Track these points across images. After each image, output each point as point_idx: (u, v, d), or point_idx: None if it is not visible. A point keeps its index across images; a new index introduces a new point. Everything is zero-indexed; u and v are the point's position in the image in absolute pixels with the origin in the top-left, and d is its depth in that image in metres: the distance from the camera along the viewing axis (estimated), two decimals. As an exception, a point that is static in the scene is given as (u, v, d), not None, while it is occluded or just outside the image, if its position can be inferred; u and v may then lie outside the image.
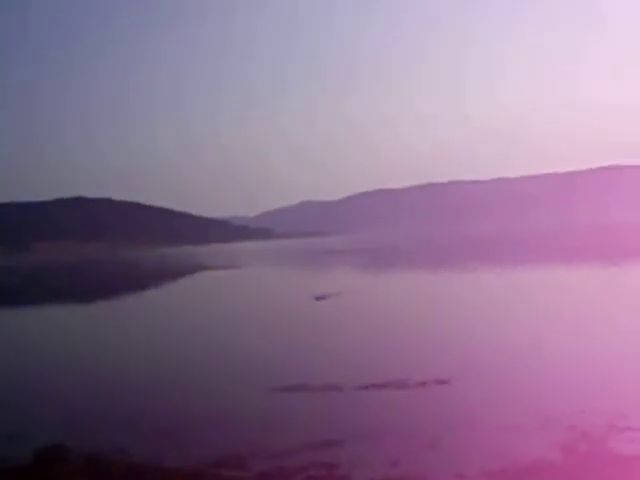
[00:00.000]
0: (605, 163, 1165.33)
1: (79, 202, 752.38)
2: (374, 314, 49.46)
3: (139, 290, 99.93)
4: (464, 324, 41.68)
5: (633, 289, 56.54)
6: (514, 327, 39.10)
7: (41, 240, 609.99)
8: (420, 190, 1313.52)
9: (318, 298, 58.14)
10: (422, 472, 16.92)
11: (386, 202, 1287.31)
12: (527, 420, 20.64)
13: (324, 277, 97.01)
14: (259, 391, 26.87)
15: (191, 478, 17.63)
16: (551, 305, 47.25)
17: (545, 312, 43.97)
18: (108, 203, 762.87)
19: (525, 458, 17.44)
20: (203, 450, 19.95)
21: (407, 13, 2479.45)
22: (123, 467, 18.94)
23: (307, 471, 17.61)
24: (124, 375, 32.53)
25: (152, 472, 18.28)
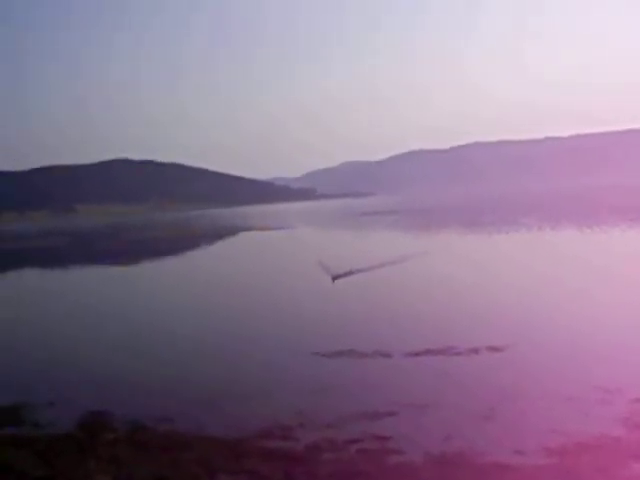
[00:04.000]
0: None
1: (123, 164, 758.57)
2: (421, 278, 48.34)
3: (182, 251, 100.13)
4: (516, 288, 40.17)
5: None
6: (572, 292, 37.32)
7: (86, 202, 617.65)
8: (465, 150, 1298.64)
9: (335, 278, 47.18)
10: (478, 447, 16.02)
11: (430, 162, 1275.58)
12: (586, 392, 19.53)
13: (369, 241, 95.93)
14: (306, 357, 26.14)
15: (235, 449, 16.96)
16: (611, 270, 44.67)
17: (605, 277, 41.71)
18: (152, 165, 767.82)
19: (586, 434, 16.40)
20: (247, 419, 19.26)
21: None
22: (166, 435, 18.45)
23: (359, 444, 16.83)
24: (167, 338, 32.10)
25: (195, 441, 17.72)
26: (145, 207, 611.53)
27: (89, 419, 20.30)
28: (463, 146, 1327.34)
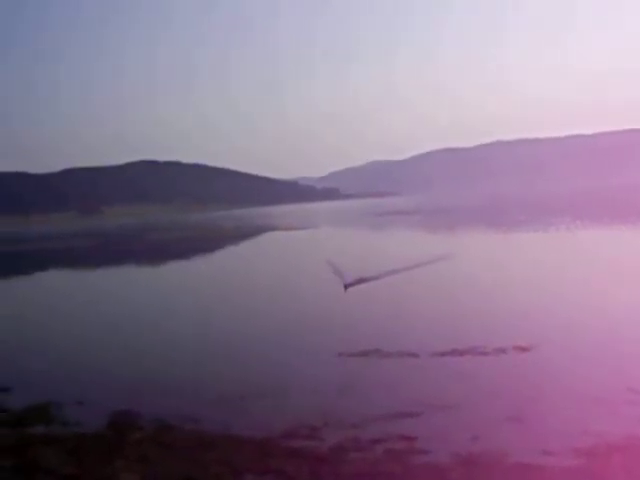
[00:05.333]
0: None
1: (149, 165, 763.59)
2: (446, 278, 48.08)
3: (207, 252, 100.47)
4: (544, 287, 39.83)
5: None
6: (601, 292, 36.74)
7: (112, 204, 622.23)
8: (488, 148, 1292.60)
9: (347, 285, 42.79)
10: (505, 448, 15.89)
11: (453, 161, 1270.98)
12: (616, 393, 19.30)
13: (391, 241, 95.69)
14: (331, 357, 26.11)
15: (260, 449, 16.98)
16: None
17: (635, 278, 40.81)
18: (177, 166, 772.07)
19: (615, 435, 16.20)
20: (272, 419, 19.28)
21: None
22: (193, 434, 18.52)
23: (384, 444, 16.79)
24: (191, 339, 32.21)
25: (221, 441, 17.78)
26: (170, 208, 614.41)
27: (117, 418, 20.42)
28: (487, 145, 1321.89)
